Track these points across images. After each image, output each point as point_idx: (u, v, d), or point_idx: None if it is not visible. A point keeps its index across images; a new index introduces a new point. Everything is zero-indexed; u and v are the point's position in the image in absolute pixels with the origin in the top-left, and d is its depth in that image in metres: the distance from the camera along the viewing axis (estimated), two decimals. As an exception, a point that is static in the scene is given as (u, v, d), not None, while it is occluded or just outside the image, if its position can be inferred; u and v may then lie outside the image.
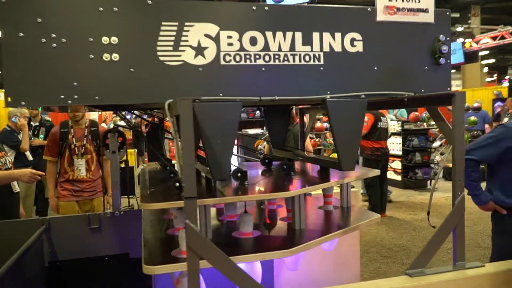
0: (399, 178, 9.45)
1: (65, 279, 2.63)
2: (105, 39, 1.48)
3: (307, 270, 3.54)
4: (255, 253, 1.57)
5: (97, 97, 1.49)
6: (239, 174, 1.77)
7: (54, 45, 1.44)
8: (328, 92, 1.72)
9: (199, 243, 1.30)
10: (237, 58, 1.61)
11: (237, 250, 1.64)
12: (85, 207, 3.88)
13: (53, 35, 1.44)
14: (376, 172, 2.17)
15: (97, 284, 2.65)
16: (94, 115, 10.47)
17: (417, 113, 9.50)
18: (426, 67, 1.85)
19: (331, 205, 2.20)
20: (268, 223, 2.02)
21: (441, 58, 1.84)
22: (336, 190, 2.30)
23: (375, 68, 1.78)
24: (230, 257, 1.45)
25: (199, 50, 1.57)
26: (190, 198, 1.30)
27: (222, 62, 1.60)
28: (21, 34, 1.41)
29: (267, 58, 1.65)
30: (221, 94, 1.59)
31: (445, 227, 1.64)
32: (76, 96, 1.48)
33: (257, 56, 1.64)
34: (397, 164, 9.50)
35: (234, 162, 3.25)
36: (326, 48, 1.71)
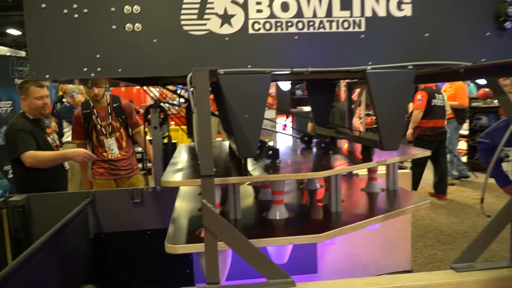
0: (464, 159, 8.79)
1: (109, 251, 2.71)
2: (127, 9, 1.42)
3: (354, 252, 3.39)
4: (284, 237, 1.48)
5: (120, 70, 1.44)
6: (271, 152, 1.66)
7: (76, 15, 1.40)
8: (370, 63, 1.54)
9: (217, 224, 1.23)
10: (267, 26, 1.48)
11: (265, 232, 1.55)
12: (123, 185, 3.80)
13: (75, 6, 1.40)
14: (426, 152, 1.97)
15: (139, 256, 2.71)
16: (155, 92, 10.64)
17: (486, 89, 8.70)
18: (488, 33, 1.59)
19: (376, 187, 2.03)
20: (304, 204, 1.91)
21: (507, 22, 1.57)
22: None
23: (426, 34, 1.57)
24: (256, 239, 1.37)
25: (226, 18, 1.46)
26: (207, 176, 1.22)
27: (251, 31, 1.47)
28: (43, 5, 1.38)
29: (300, 25, 1.50)
30: (249, 66, 1.48)
31: (501, 217, 1.43)
32: (99, 69, 1.44)
33: (289, 24, 1.49)
34: (462, 145, 8.83)
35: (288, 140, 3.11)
36: (368, 13, 1.53)
